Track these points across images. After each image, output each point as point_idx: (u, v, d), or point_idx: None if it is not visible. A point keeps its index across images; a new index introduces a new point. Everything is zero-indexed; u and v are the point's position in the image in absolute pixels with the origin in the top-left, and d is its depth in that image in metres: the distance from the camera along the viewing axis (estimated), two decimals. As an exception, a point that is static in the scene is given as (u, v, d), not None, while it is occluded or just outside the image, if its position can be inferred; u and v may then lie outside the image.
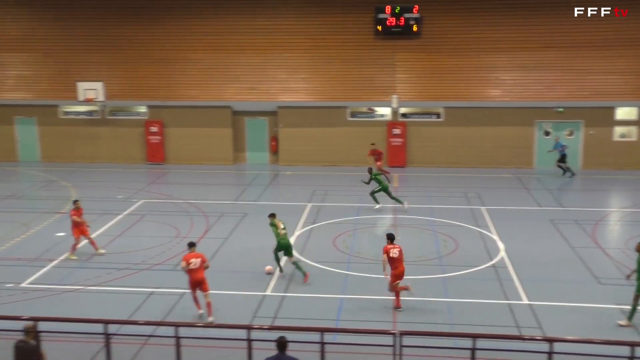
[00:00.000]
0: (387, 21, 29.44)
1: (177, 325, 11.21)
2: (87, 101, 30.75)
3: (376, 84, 30.39)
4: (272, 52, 30.83)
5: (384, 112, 30.88)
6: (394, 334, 10.64)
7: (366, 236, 20.56)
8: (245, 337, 10.90)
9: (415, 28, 29.44)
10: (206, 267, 14.51)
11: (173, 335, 11.00)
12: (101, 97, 30.65)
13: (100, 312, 13.97)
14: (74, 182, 27.94)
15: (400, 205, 23.26)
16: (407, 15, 29.38)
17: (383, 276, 15.00)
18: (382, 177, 23.94)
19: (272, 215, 17.03)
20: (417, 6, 29.29)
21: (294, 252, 17.35)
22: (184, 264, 14.27)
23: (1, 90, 32.09)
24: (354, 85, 30.48)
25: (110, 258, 18.43)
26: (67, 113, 32.27)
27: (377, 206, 23.24)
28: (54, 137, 32.40)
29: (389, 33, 29.67)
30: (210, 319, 13.99)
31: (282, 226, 16.86)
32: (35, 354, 10.29)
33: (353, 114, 31.11)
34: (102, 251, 18.75)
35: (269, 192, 26.71)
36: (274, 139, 31.84)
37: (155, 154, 31.75)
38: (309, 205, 24.04)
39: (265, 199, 25.32)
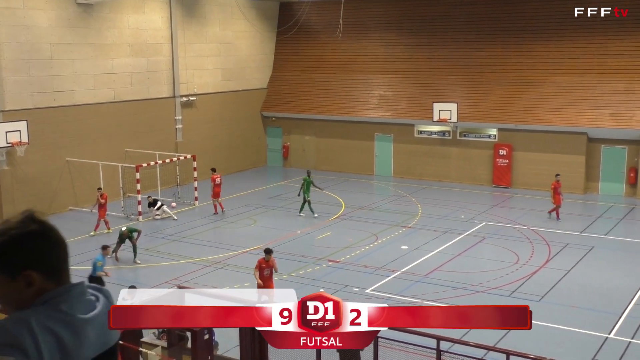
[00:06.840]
0: None
1: (507, 353, 10.96)
2: (441, 121, 31.86)
3: None
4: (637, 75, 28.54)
5: None
6: None
7: None
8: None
9: None
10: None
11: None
12: (454, 118, 31.50)
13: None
14: (421, 198, 29.12)
15: None
16: None
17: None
18: None
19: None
20: None
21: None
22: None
23: (366, 109, 34.96)
24: None
25: (447, 276, 18.84)
26: (421, 132, 33.81)
27: None
28: (407, 155, 34.18)
29: None
30: None
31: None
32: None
33: None
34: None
35: (622, 227, 24.66)
36: (633, 169, 29.34)
37: (502, 177, 31.57)
38: (668, 246, 21.70)
39: (615, 234, 23.47)
